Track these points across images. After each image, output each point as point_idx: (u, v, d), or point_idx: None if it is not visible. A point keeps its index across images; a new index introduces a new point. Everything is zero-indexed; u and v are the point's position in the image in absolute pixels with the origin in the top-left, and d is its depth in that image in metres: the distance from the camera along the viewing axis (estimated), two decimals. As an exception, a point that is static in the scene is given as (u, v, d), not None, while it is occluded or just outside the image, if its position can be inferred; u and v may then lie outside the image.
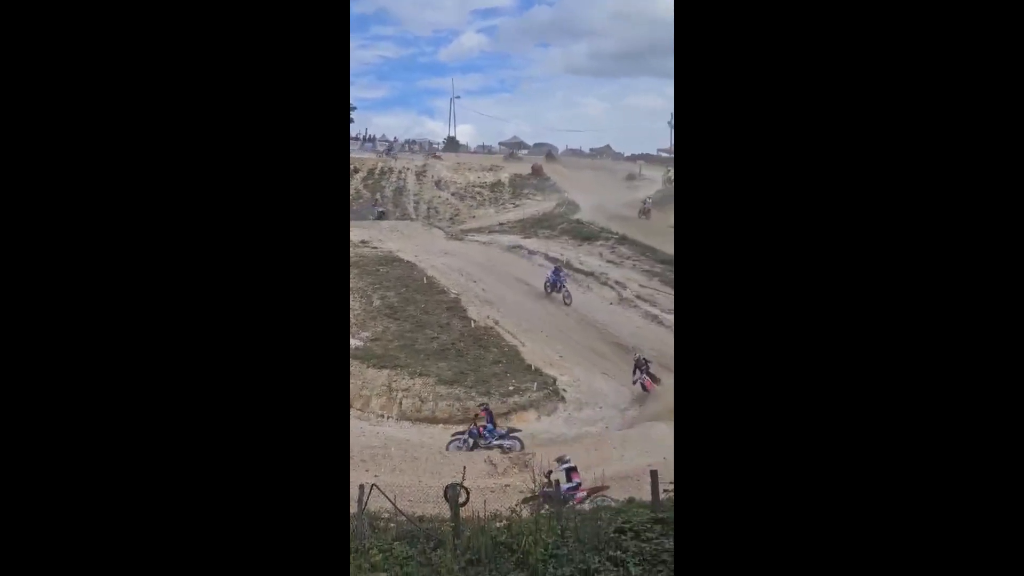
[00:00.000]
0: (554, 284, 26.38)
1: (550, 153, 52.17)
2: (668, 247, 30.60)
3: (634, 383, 19.96)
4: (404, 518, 11.09)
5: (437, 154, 46.81)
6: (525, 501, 12.35)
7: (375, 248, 30.87)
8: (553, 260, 29.93)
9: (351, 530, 10.39)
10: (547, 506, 12.79)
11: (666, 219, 34.64)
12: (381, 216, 37.58)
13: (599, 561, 8.35)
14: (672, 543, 8.72)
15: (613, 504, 12.05)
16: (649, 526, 9.25)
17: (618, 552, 8.53)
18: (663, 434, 17.19)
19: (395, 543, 9.69)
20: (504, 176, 43.18)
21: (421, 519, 10.91)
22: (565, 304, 25.48)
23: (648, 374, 19.84)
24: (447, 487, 11.26)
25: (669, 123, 60.51)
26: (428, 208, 39.76)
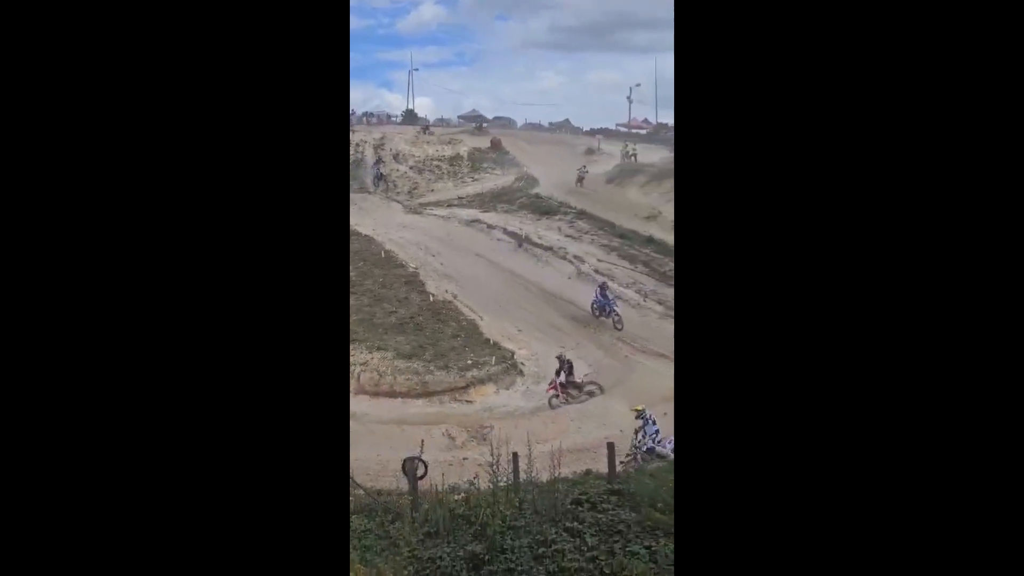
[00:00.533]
0: (603, 307, 22.60)
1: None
2: (626, 222, 30.78)
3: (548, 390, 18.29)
4: (362, 491, 11.10)
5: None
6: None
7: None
8: (513, 235, 29.90)
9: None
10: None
11: (624, 193, 34.81)
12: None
13: (556, 532, 8.46)
14: (628, 514, 8.85)
15: (570, 477, 12.18)
16: (605, 497, 9.37)
17: (575, 523, 8.64)
18: (620, 407, 17.38)
19: (353, 516, 9.70)
20: (463, 150, 42.91)
21: (379, 493, 10.93)
22: (616, 329, 21.98)
23: (565, 382, 18.07)
24: (405, 460, 11.30)
25: (628, 98, 60.69)
26: (386, 181, 39.41)
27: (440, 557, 8.24)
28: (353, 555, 8.57)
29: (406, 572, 8.13)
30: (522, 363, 19.95)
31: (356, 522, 9.43)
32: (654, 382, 18.76)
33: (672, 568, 7.49)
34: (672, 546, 7.76)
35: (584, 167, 36.05)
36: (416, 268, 25.71)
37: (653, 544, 8.14)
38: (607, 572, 7.68)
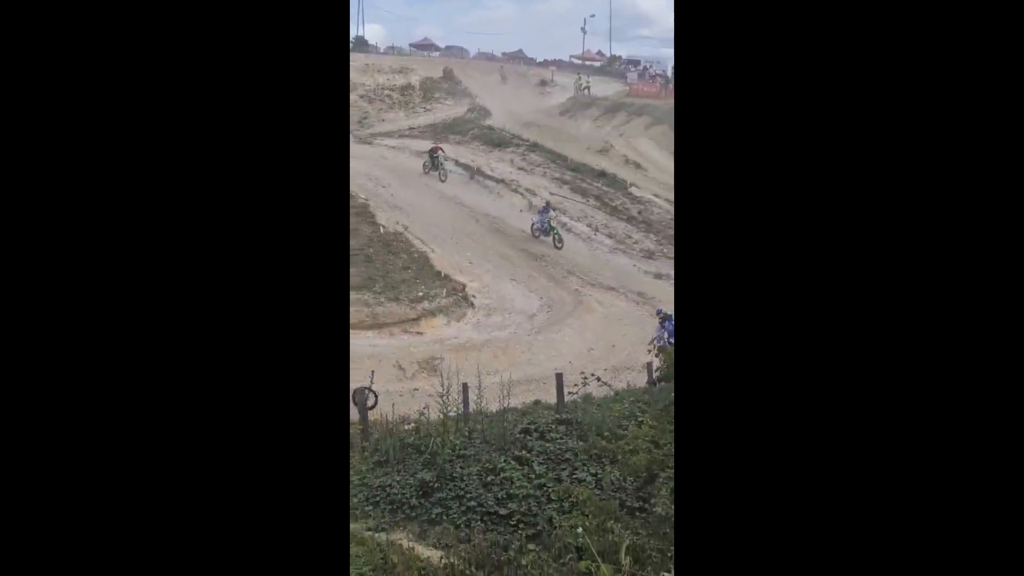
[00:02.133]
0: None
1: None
2: (578, 155, 30.72)
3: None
4: (312, 422, 11.13)
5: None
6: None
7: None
8: (465, 167, 29.67)
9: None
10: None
11: (576, 126, 34.67)
12: None
13: (505, 460, 8.62)
14: (575, 443, 9.04)
15: (519, 407, 12.36)
16: (554, 427, 9.56)
17: (523, 452, 8.82)
18: (569, 339, 17.59)
19: (303, 446, 9.76)
20: (415, 79, 42.17)
21: (329, 423, 10.96)
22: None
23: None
24: (355, 391, 11.32)
25: (582, 29, 59.88)
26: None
27: (390, 485, 8.36)
28: (303, 484, 8.65)
29: (356, 499, 8.24)
30: (473, 295, 20.01)
31: (306, 452, 9.50)
32: (603, 314, 19.02)
33: (616, 494, 7.70)
34: (616, 473, 7.97)
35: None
36: (366, 200, 25.41)
37: (599, 471, 8.35)
38: (554, 498, 7.88)
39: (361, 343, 17.42)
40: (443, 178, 27.46)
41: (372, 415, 10.81)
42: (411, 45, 57.13)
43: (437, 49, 55.45)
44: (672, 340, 14.84)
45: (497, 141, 33.47)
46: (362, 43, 53.43)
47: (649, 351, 13.89)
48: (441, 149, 29.12)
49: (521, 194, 27.41)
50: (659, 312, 16.14)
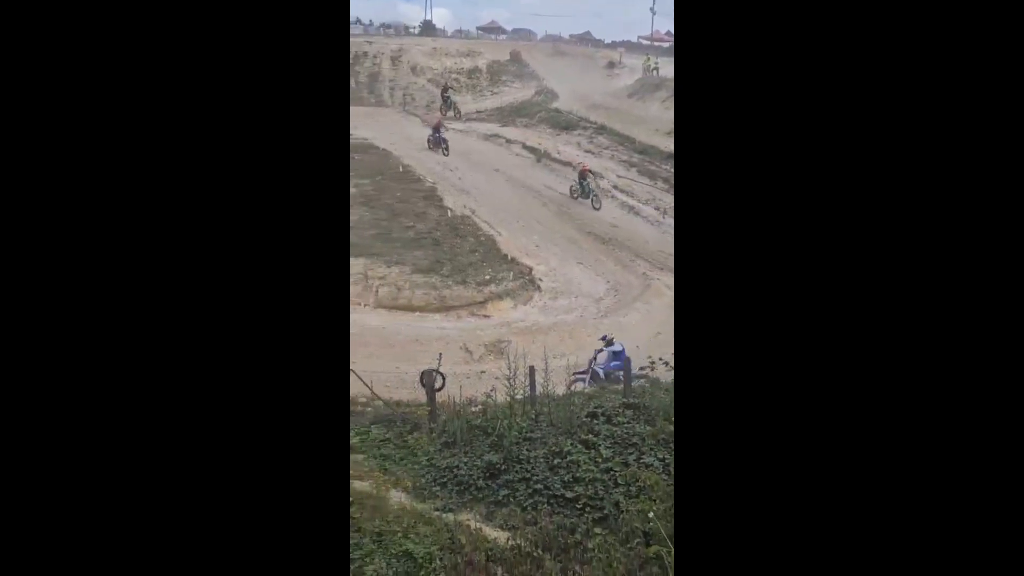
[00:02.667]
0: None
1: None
2: (646, 137, 30.34)
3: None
4: (381, 402, 11.29)
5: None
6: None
7: (350, 135, 30.33)
8: (532, 150, 29.60)
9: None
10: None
11: (645, 107, 34.22)
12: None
13: (571, 444, 8.60)
14: (642, 427, 8.97)
15: (588, 390, 12.31)
16: (620, 411, 9.49)
17: (590, 435, 8.78)
18: (636, 323, 17.45)
19: (372, 426, 9.90)
20: (482, 62, 42.17)
21: (398, 404, 11.11)
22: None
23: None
24: (423, 373, 11.42)
25: (651, 10, 59.03)
26: (404, 95, 38.91)
27: (457, 466, 8.42)
28: (372, 463, 8.77)
29: (424, 479, 8.33)
30: (540, 279, 20.00)
31: (375, 432, 9.62)
32: (671, 298, 18.80)
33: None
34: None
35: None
36: (434, 183, 25.58)
37: (667, 456, 8.27)
38: (621, 483, 7.83)
39: (429, 326, 17.61)
40: (597, 206, 25.06)
41: (439, 397, 10.90)
42: (478, 28, 57.14)
43: (504, 32, 55.34)
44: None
45: (564, 124, 33.30)
46: (429, 27, 53.65)
47: (571, 385, 12.72)
48: (590, 171, 26.02)
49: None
50: (603, 338, 14.60)
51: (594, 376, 13.65)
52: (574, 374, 13.59)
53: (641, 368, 12.57)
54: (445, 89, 29.91)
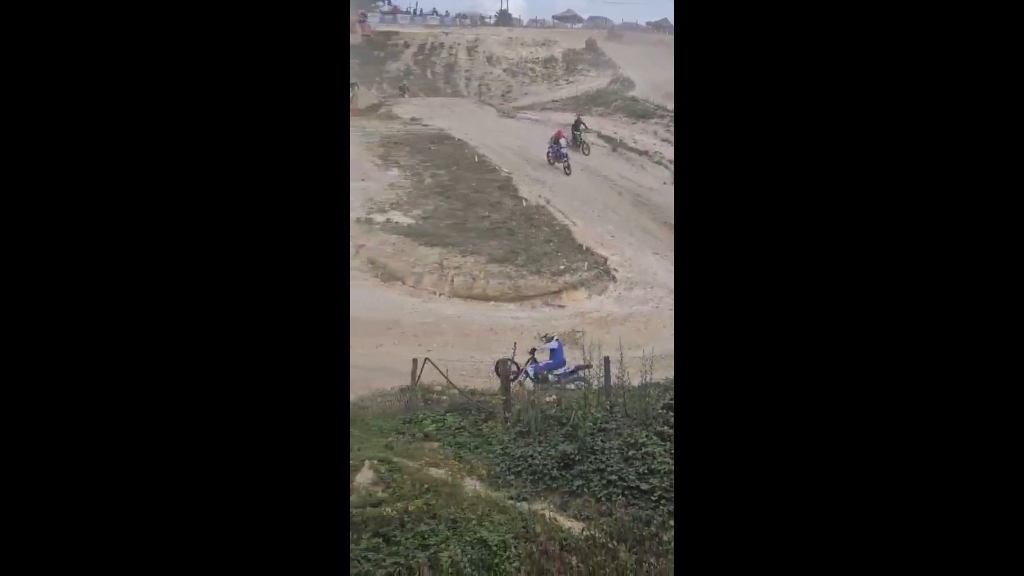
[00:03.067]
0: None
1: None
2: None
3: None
4: (456, 391, 11.39)
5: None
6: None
7: (426, 125, 30.62)
8: (608, 139, 29.39)
9: (405, 402, 10.73)
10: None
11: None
12: (403, 91, 37.15)
13: (646, 436, 8.53)
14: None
15: (662, 382, 12.19)
16: (697, 403, 9.38)
17: (665, 427, 8.69)
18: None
19: (447, 415, 10.00)
20: (558, 51, 42.02)
21: (472, 392, 11.18)
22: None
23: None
24: (498, 362, 11.48)
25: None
26: (479, 85, 39.04)
27: (532, 455, 8.44)
28: (447, 451, 8.86)
29: (498, 468, 8.38)
30: (615, 269, 19.85)
31: (450, 420, 9.72)
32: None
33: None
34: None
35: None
36: (509, 173, 25.61)
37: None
38: (697, 476, 7.73)
39: (503, 315, 17.66)
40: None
41: (514, 386, 10.94)
42: (554, 17, 56.94)
43: (580, 20, 55.04)
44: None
45: (640, 112, 32.97)
46: (505, 17, 53.70)
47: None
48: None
49: (664, 166, 26.90)
50: (545, 336, 14.12)
51: (535, 375, 13.11)
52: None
53: (577, 366, 12.46)
54: (577, 125, 27.83)
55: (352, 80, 34.10)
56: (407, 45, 41.19)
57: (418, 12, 49.81)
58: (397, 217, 21.71)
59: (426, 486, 7.63)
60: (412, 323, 16.23)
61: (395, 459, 8.17)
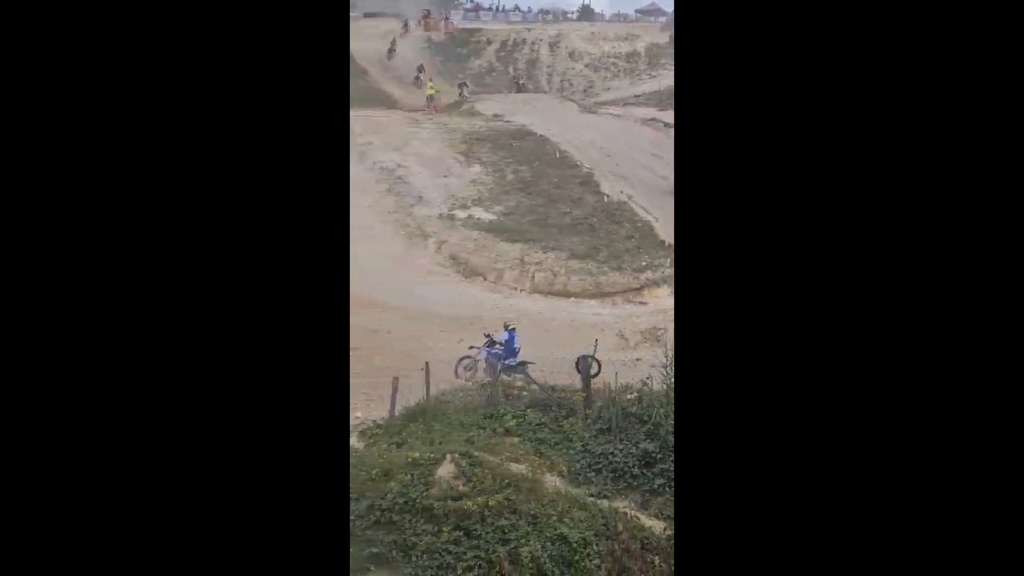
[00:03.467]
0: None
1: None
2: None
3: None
4: (536, 387, 11.41)
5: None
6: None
7: (508, 122, 30.67)
8: None
9: (486, 397, 10.80)
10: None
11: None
12: (520, 89, 37.08)
13: (730, 435, 8.40)
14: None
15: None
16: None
17: (750, 427, 8.54)
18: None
19: (528, 410, 10.02)
20: (640, 46, 41.59)
21: (553, 389, 11.17)
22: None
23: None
24: (579, 359, 11.44)
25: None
26: (561, 81, 38.94)
27: (612, 453, 8.39)
28: (528, 446, 8.88)
29: (578, 465, 8.35)
30: (698, 266, 19.58)
31: (531, 415, 9.73)
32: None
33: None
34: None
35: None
36: (591, 169, 25.48)
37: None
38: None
39: (584, 311, 17.61)
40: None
41: (595, 383, 10.88)
42: (637, 11, 56.31)
43: (664, 14, 54.26)
44: (494, 355, 13.12)
45: (725, 106, 32.34)
46: (588, 12, 53.42)
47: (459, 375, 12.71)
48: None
49: (750, 161, 26.37)
50: (506, 325, 14.12)
51: (487, 359, 13.50)
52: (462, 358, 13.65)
53: (523, 361, 12.77)
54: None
55: (430, 76, 34.45)
56: (489, 42, 41.35)
57: (501, 8, 49.98)
58: (479, 213, 21.84)
59: (506, 481, 7.66)
60: (493, 319, 16.30)
61: (476, 453, 8.22)
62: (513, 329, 13.84)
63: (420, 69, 35.01)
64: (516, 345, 13.45)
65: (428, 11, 41.96)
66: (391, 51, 37.38)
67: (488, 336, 13.68)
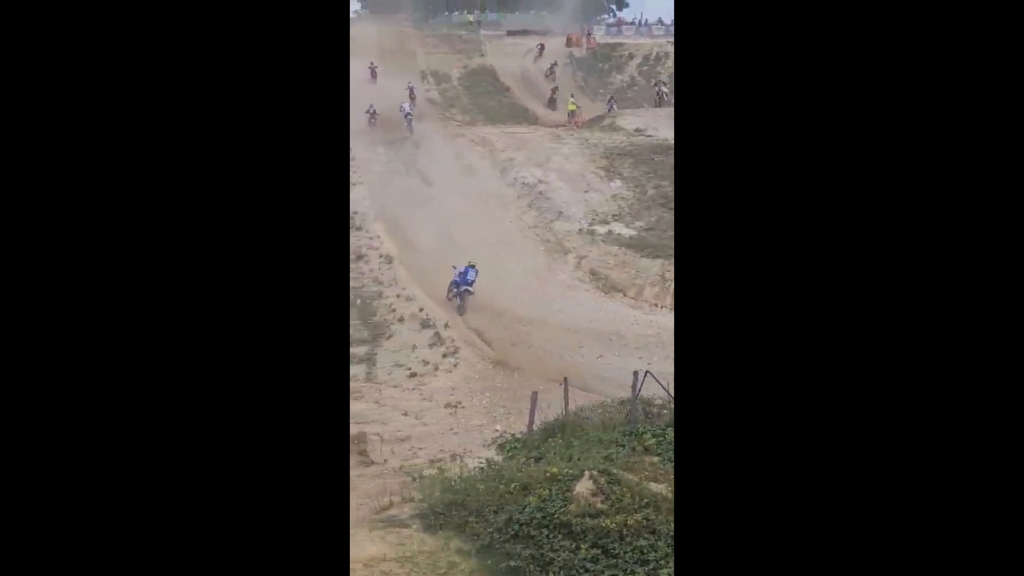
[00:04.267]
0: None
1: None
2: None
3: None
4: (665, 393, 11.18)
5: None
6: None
7: (650, 136, 30.43)
8: None
9: (625, 414, 10.70)
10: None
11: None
12: (662, 103, 36.74)
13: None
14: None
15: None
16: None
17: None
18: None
19: (668, 429, 9.85)
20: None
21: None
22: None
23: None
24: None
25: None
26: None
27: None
28: (667, 466, 8.73)
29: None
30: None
31: (671, 435, 9.56)
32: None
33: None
34: None
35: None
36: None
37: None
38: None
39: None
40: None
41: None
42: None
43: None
44: (459, 288, 16.98)
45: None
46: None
47: (449, 298, 16.80)
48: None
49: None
50: (470, 264, 17.52)
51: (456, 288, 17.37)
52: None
53: (465, 290, 16.98)
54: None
55: (571, 92, 34.53)
56: (631, 56, 41.16)
57: (643, 23, 49.66)
58: (619, 228, 21.74)
59: (646, 500, 7.55)
60: (633, 335, 16.17)
61: (615, 471, 8.15)
62: (472, 266, 17.27)
63: (554, 91, 35.09)
64: (469, 278, 17.12)
65: (571, 36, 41.87)
66: (551, 71, 37.46)
67: (455, 268, 17.46)
